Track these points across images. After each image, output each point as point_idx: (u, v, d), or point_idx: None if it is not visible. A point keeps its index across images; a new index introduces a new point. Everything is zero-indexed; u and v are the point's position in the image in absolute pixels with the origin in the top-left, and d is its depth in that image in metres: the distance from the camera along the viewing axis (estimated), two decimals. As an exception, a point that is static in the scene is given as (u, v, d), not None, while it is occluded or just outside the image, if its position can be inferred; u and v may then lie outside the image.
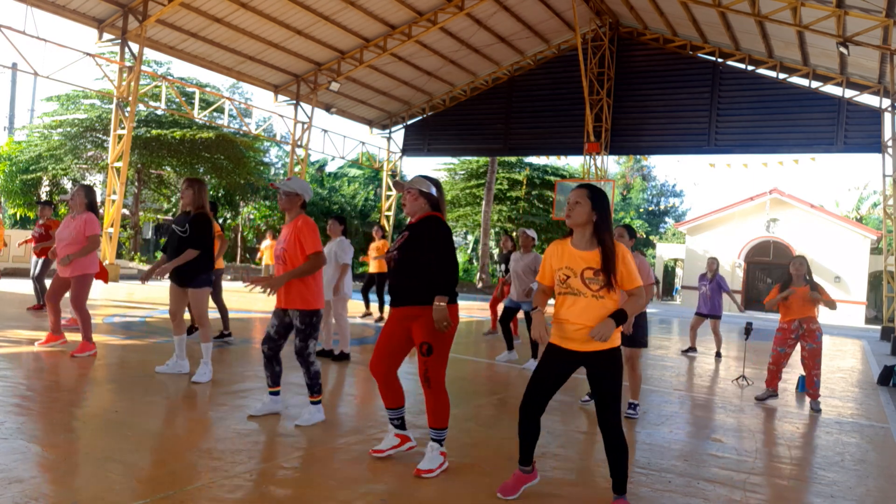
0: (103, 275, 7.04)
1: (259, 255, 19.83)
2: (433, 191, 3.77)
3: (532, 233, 7.87)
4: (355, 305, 11.51)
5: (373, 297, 11.88)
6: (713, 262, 10.08)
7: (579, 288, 3.18)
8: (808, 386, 6.50)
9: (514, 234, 27.81)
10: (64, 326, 7.48)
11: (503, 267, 10.30)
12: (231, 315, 8.44)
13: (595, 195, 3.23)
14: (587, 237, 3.23)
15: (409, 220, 3.83)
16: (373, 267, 11.60)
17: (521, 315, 8.03)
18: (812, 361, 6.46)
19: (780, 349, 6.64)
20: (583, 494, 3.57)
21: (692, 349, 10.21)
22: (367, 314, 12.06)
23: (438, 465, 3.63)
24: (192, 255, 5.47)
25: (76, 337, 6.56)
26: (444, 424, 3.70)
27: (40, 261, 9.12)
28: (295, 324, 4.41)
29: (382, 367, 3.78)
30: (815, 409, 6.35)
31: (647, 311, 5.61)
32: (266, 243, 18.76)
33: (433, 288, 3.58)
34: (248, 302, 13.81)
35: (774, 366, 6.68)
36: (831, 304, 6.36)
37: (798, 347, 6.67)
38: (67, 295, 6.35)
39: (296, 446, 4.01)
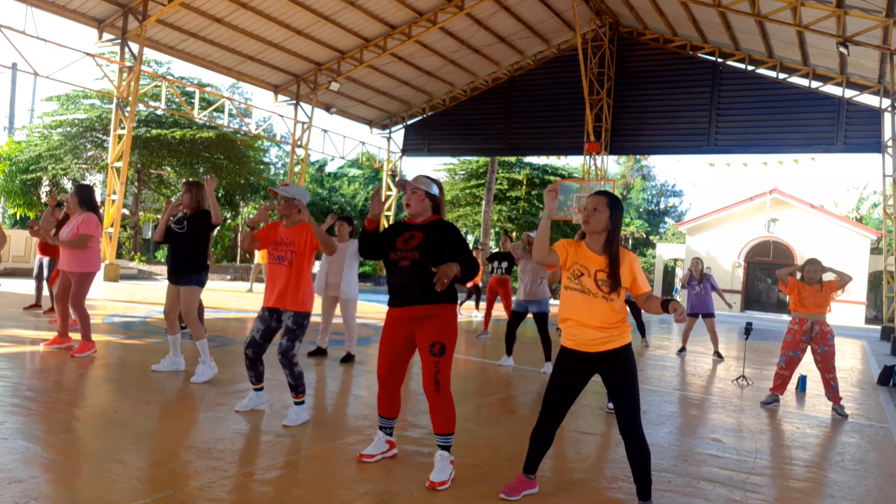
0: None
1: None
2: (436, 191, 3.76)
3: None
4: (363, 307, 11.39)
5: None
6: (698, 263, 10.05)
7: (591, 288, 3.24)
8: (827, 389, 6.31)
9: (514, 233, 27.89)
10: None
11: (505, 265, 10.24)
12: (230, 315, 8.44)
13: (613, 203, 3.29)
14: (601, 243, 3.29)
15: (406, 219, 3.79)
16: None
17: (529, 316, 7.92)
18: (826, 365, 6.27)
19: (793, 353, 6.35)
20: (583, 494, 3.57)
21: (682, 349, 10.28)
22: None
23: (450, 474, 3.52)
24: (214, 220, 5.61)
25: (76, 337, 6.56)
26: (453, 429, 3.60)
27: (45, 260, 9.11)
28: (286, 324, 4.40)
29: (391, 374, 3.71)
30: (841, 414, 6.14)
31: None
32: None
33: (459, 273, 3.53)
34: (247, 302, 13.81)
35: (788, 371, 6.41)
36: (845, 278, 6.16)
37: (808, 350, 6.44)
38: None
39: (296, 447, 4.00)
